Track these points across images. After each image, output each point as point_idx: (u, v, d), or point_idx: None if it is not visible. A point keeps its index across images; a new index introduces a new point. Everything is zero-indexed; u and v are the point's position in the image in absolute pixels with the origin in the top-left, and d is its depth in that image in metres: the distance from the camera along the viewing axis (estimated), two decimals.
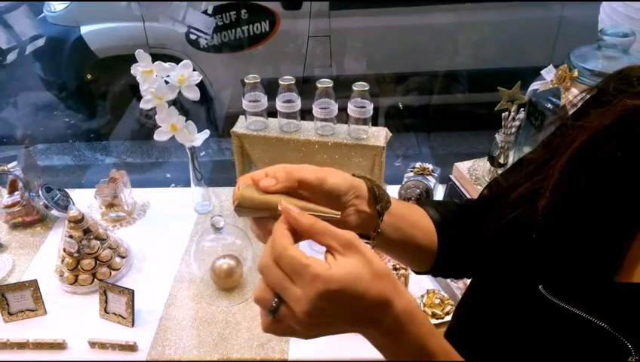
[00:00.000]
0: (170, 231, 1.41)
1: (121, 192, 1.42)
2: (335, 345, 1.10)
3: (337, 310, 0.45)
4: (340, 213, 0.52)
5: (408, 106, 3.14)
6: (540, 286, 0.53)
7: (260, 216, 0.52)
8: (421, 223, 0.67)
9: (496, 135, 1.26)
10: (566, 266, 0.53)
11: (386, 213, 0.60)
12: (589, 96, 0.59)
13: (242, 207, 0.51)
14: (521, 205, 0.57)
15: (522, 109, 1.20)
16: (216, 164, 2.89)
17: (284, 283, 0.45)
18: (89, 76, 3.06)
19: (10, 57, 1.45)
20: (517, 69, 2.81)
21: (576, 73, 0.97)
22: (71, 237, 1.20)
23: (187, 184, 1.47)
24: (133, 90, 3.06)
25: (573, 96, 0.90)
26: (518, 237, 0.57)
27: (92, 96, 3.24)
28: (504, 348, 0.56)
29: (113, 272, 1.25)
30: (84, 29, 2.92)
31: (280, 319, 0.46)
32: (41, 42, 1.60)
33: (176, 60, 1.27)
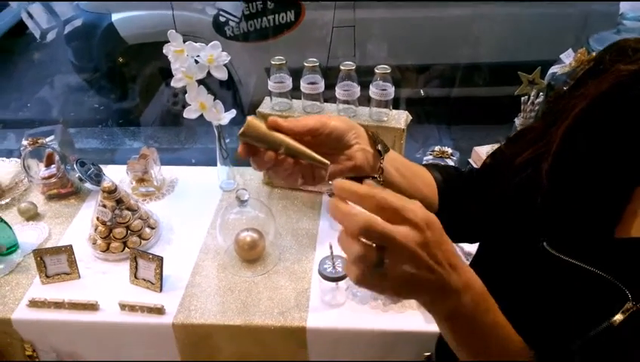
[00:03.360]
0: (197, 206, 1.47)
1: (151, 168, 1.49)
2: (349, 317, 1.15)
3: (437, 242, 0.48)
4: (329, 162, 0.59)
5: (430, 97, 3.16)
6: (544, 243, 0.56)
7: (259, 145, 0.59)
8: (424, 177, 0.73)
9: (515, 119, 1.29)
10: (568, 224, 0.56)
11: (389, 158, 0.66)
12: (588, 66, 0.62)
13: (247, 135, 0.58)
14: (524, 170, 0.62)
15: (541, 94, 1.22)
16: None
17: (389, 226, 0.46)
18: (119, 61, 3.15)
19: (50, 36, 1.52)
20: (540, 62, 2.80)
21: (593, 55, 0.99)
22: (104, 206, 1.26)
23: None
24: (163, 75, 3.15)
25: None
26: (522, 200, 0.61)
27: (121, 81, 3.33)
28: (510, 303, 0.60)
29: (143, 241, 1.31)
30: (115, 17, 3.00)
31: (384, 268, 0.47)
32: (76, 23, 1.67)
33: None
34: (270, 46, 2.97)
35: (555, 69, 1.11)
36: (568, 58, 1.06)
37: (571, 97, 0.60)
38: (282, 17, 2.91)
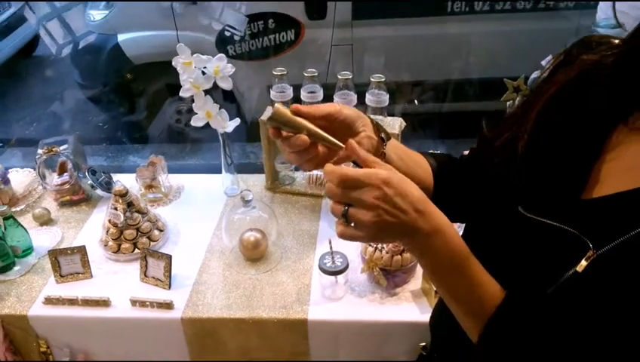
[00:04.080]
0: (203, 211, 1.54)
1: (159, 175, 1.57)
2: (348, 309, 1.21)
3: (397, 194, 0.59)
4: (343, 145, 0.67)
5: (425, 112, 3.25)
6: (519, 207, 0.65)
7: (284, 129, 0.68)
8: (421, 163, 0.82)
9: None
10: (541, 190, 0.65)
11: (390, 145, 0.75)
12: (559, 60, 0.72)
13: (274, 119, 0.67)
14: (503, 151, 0.71)
15: (525, 99, 1.30)
16: (241, 166, 3.04)
17: (350, 193, 0.60)
18: (126, 78, 3.25)
19: (65, 51, 1.62)
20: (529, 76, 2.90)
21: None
22: (116, 209, 1.34)
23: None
24: (170, 92, 3.25)
25: None
26: (502, 175, 0.70)
27: (127, 100, 3.43)
28: (490, 263, 0.67)
29: (152, 243, 1.38)
30: (121, 37, 3.12)
31: (351, 220, 0.61)
32: (83, 44, 1.77)
33: None
34: (271, 64, 3.08)
35: (535, 75, 1.19)
36: (548, 64, 1.15)
37: (544, 85, 0.71)
38: (283, 37, 3.02)
